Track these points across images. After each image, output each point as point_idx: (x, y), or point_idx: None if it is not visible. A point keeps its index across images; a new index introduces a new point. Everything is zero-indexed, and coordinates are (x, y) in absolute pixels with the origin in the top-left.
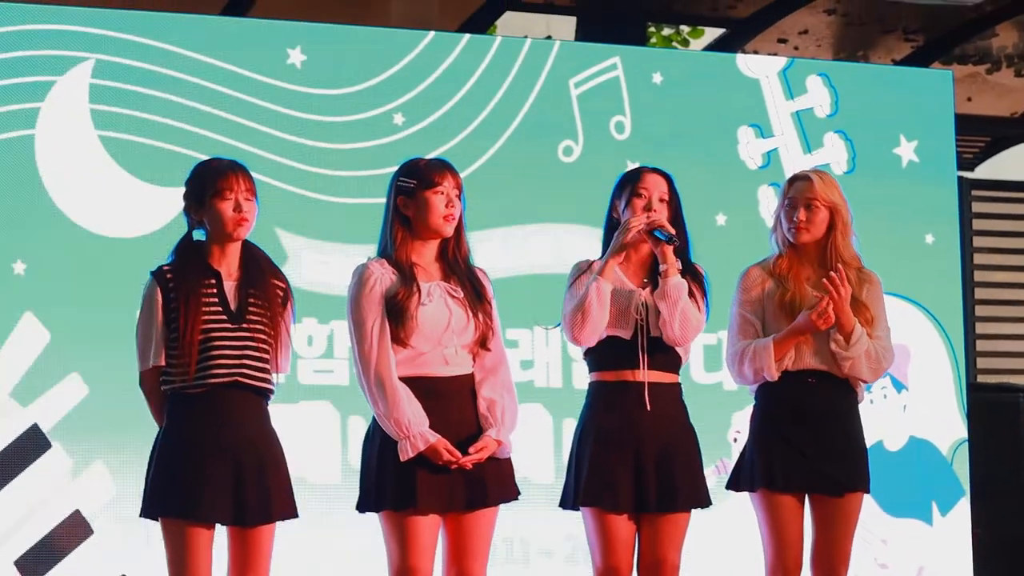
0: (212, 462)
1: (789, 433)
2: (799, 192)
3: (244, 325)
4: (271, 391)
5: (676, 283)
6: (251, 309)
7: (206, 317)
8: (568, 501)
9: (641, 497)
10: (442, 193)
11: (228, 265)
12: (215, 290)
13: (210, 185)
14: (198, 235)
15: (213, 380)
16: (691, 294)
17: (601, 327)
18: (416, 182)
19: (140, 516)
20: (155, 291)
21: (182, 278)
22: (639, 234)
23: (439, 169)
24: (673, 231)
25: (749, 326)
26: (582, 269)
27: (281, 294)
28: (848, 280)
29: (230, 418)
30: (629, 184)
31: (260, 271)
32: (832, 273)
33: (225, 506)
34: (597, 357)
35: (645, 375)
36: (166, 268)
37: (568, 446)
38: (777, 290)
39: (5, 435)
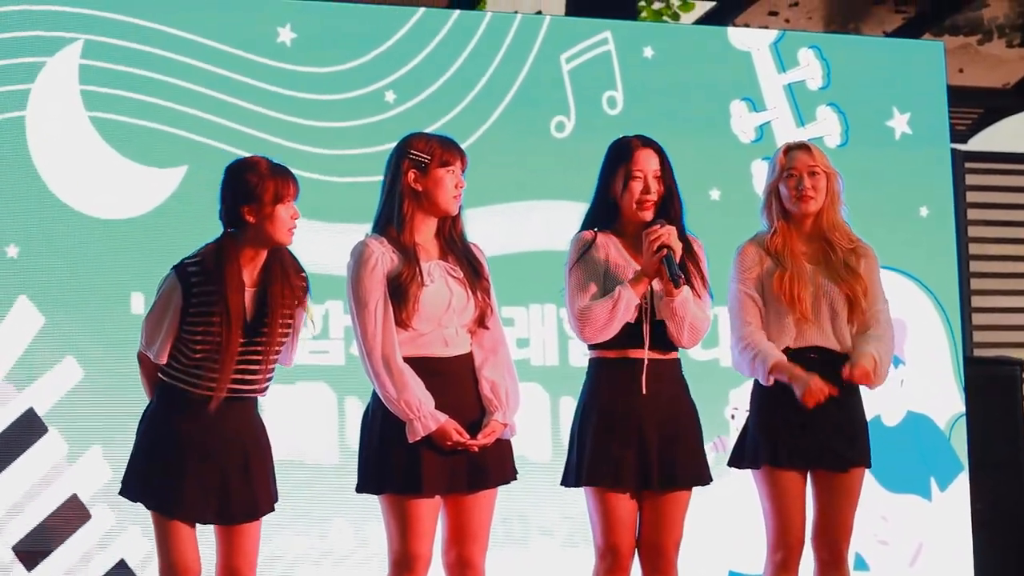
0: (198, 465)
1: (791, 409)
2: (800, 162)
3: (256, 339)
4: (267, 390)
5: (681, 300)
6: (266, 320)
7: (218, 331)
8: (571, 479)
9: (644, 475)
10: (453, 172)
11: (253, 268)
12: (238, 304)
13: (274, 189)
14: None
15: (212, 392)
16: (691, 284)
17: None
18: (429, 158)
19: (119, 494)
20: (175, 293)
21: (207, 290)
22: (657, 256)
23: (451, 148)
24: (681, 275)
25: (752, 305)
26: (587, 243)
27: (303, 291)
28: (837, 249)
29: (221, 422)
30: (621, 164)
31: (285, 273)
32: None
33: (210, 507)
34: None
35: (646, 354)
36: (191, 271)
37: (565, 424)
38: (776, 269)
39: (1, 420)
